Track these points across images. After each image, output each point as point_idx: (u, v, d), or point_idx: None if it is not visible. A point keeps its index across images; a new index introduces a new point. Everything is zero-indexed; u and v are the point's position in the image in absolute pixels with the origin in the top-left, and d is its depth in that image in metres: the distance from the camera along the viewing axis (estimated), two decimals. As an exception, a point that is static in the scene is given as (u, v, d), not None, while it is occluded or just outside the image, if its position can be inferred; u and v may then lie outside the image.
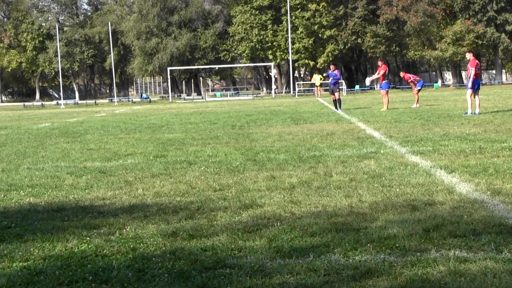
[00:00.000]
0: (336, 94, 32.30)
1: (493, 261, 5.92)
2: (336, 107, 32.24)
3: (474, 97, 24.38)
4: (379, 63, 32.41)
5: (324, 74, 33.57)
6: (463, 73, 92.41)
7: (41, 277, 5.96)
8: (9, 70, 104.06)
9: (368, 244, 6.54)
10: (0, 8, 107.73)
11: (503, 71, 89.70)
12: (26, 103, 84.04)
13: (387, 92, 30.90)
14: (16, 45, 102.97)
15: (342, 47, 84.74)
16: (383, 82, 31.29)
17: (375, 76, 33.13)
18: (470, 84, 24.28)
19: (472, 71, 24.15)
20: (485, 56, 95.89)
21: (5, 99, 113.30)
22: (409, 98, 45.46)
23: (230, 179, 10.92)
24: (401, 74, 35.52)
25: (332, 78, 32.38)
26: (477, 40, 79.81)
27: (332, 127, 21.27)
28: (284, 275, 5.76)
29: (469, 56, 24.87)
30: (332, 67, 33.18)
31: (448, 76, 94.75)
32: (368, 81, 33.66)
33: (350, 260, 6.10)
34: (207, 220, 7.98)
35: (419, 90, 33.03)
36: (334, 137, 17.66)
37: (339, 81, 32.91)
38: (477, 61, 24.57)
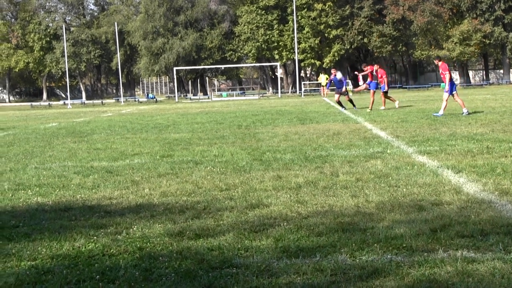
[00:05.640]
0: (336, 96, 32.83)
1: (501, 261, 5.91)
2: (342, 107, 32.53)
3: (455, 99, 24.23)
4: (365, 67, 32.40)
5: (328, 81, 33.70)
6: (470, 73, 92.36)
7: (49, 276, 5.98)
8: (17, 70, 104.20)
9: (375, 244, 6.54)
10: (7, 9, 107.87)
11: (511, 70, 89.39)
12: (34, 103, 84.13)
13: (374, 92, 31.04)
14: (23, 46, 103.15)
15: (348, 47, 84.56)
16: (372, 81, 31.43)
17: (360, 76, 33.26)
18: (447, 87, 24.08)
19: (447, 74, 23.97)
20: (493, 55, 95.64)
21: (13, 99, 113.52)
22: (417, 97, 45.43)
23: (237, 179, 10.92)
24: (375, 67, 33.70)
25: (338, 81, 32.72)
26: (484, 40, 79.56)
27: (339, 127, 21.25)
28: (290, 275, 5.77)
29: (438, 62, 24.83)
30: (333, 71, 33.57)
31: (455, 75, 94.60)
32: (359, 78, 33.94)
33: (357, 260, 6.10)
34: (213, 219, 7.99)
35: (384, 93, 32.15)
36: (341, 137, 17.64)
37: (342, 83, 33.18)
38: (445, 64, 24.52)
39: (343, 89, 32.71)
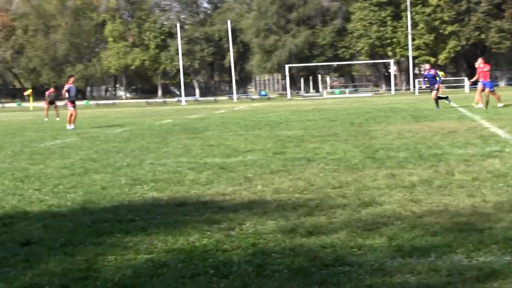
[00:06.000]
0: (433, 93, 32.33)
1: None
2: (437, 105, 31.84)
3: None
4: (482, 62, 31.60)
5: (424, 77, 33.57)
6: None
7: (164, 269, 6.08)
8: (133, 68, 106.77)
9: (493, 245, 6.35)
10: (125, 8, 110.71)
11: None
12: (149, 100, 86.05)
13: (489, 91, 30.20)
14: (139, 44, 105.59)
15: (464, 43, 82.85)
16: (488, 81, 30.57)
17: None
18: None
19: None
20: None
21: (129, 96, 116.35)
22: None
23: (349, 177, 10.85)
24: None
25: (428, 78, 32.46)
26: None
27: (454, 125, 20.84)
28: (404, 274, 5.68)
29: None
30: (428, 66, 33.25)
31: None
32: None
33: (474, 261, 5.95)
34: (326, 217, 7.96)
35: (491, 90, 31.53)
36: (456, 135, 17.29)
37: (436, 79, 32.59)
38: None
39: (436, 85, 32.26)
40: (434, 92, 32.42)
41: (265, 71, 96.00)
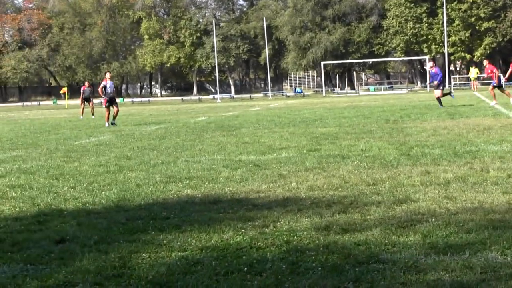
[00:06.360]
0: (436, 91, 32.15)
1: None
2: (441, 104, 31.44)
3: None
4: None
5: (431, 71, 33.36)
6: None
7: (198, 267, 6.12)
8: (168, 65, 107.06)
9: (528, 243, 6.32)
10: (160, 5, 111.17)
11: None
12: (184, 98, 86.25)
13: None
14: (175, 41, 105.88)
15: (500, 40, 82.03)
16: None
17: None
18: None
19: None
20: None
21: (165, 93, 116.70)
22: None
23: (384, 174, 10.83)
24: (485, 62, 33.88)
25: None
26: None
27: (489, 121, 20.68)
28: (438, 271, 5.67)
29: None
30: (431, 63, 33.06)
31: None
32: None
33: (508, 258, 5.93)
34: (360, 214, 7.96)
35: (494, 87, 31.48)
36: (491, 132, 17.16)
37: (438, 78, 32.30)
38: None
39: (435, 83, 32.09)
40: (438, 91, 32.15)
41: (300, 68, 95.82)
